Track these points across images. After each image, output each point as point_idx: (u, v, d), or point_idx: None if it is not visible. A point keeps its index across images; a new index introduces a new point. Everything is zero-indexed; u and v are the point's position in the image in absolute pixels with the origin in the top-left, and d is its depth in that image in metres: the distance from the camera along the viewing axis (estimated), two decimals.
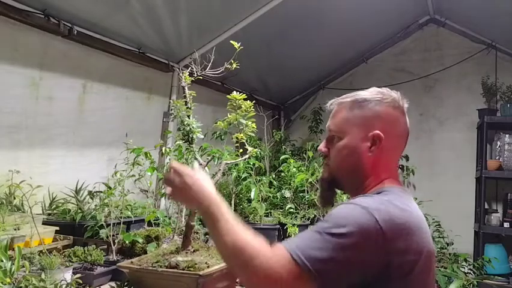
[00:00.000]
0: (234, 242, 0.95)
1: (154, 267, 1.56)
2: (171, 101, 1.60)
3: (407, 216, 0.97)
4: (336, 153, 1.13)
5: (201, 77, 1.71)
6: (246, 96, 1.63)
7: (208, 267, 1.58)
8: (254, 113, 1.63)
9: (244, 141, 1.69)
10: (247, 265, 0.91)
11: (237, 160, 1.82)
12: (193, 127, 1.60)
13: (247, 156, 1.72)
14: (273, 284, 0.88)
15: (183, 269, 1.54)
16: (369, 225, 0.90)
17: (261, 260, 0.89)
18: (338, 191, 1.21)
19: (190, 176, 1.10)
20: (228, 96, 1.61)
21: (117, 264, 1.60)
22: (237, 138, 1.67)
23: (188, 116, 1.62)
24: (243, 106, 1.60)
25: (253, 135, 1.67)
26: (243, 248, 0.93)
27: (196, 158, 1.61)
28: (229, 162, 1.79)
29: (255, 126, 1.73)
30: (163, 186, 1.24)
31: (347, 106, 1.14)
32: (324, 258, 0.87)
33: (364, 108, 1.11)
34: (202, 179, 1.12)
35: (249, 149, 1.73)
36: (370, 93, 1.14)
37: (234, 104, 1.62)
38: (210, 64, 1.74)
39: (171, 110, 1.58)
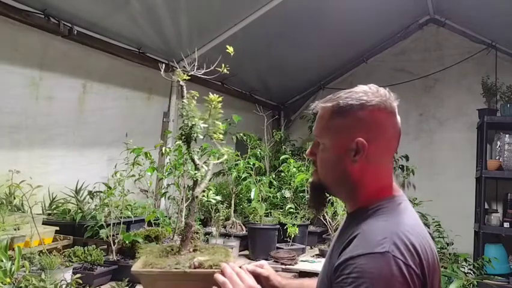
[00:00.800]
0: None
1: (178, 268, 1.54)
2: (183, 101, 1.58)
3: (419, 237, 0.96)
4: (321, 161, 1.10)
5: (199, 77, 1.71)
6: (221, 99, 1.63)
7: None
8: (221, 112, 1.62)
9: (220, 141, 1.68)
10: None
11: (220, 160, 1.81)
12: (199, 127, 1.59)
13: (224, 157, 1.72)
14: None
15: (208, 268, 1.53)
16: (404, 272, 0.88)
17: None
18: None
19: None
20: (205, 97, 1.60)
21: (132, 270, 1.59)
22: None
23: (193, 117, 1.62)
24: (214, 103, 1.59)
25: (222, 137, 1.66)
26: None
27: (192, 159, 1.61)
28: (215, 162, 1.78)
29: (226, 127, 1.72)
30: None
31: (328, 112, 1.07)
32: None
33: (345, 115, 1.04)
34: None
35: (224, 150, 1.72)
36: (354, 94, 1.07)
37: (209, 106, 1.62)
38: (209, 64, 1.74)
39: (181, 111, 1.57)
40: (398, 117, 1.09)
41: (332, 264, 1.00)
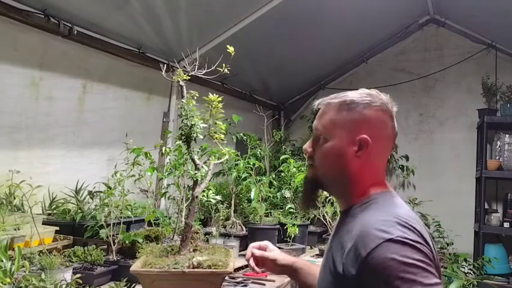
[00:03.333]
0: None
1: (177, 268, 1.54)
2: (183, 101, 1.58)
3: (415, 219, 1.00)
4: (322, 155, 1.12)
5: (199, 77, 1.71)
6: (221, 99, 1.62)
7: (223, 264, 1.57)
8: (222, 112, 1.62)
9: (222, 141, 1.68)
10: None
11: (220, 160, 1.81)
12: (198, 127, 1.59)
13: (225, 157, 1.72)
14: None
15: (207, 268, 1.53)
16: (418, 250, 0.91)
17: None
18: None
19: None
20: (205, 98, 1.60)
21: (131, 270, 1.59)
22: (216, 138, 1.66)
23: (192, 116, 1.62)
24: (215, 103, 1.59)
25: (223, 137, 1.66)
26: None
27: (192, 159, 1.61)
28: (216, 162, 1.78)
29: (226, 126, 1.72)
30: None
31: (335, 107, 1.11)
32: None
33: (352, 110, 1.09)
34: None
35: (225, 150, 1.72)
36: (359, 95, 1.11)
37: (209, 106, 1.62)
38: (210, 64, 1.74)
39: (180, 110, 1.57)
40: (395, 122, 1.14)
41: (332, 263, 1.01)
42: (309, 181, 1.17)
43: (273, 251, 1.41)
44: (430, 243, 0.96)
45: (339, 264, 0.99)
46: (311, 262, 1.54)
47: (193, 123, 1.61)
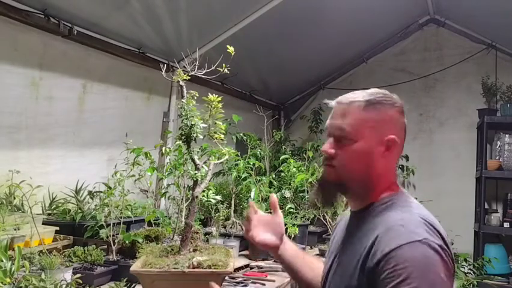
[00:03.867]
0: None
1: (176, 268, 1.54)
2: (183, 101, 1.58)
3: (435, 221, 1.02)
4: (349, 156, 1.08)
5: (199, 77, 1.71)
6: (221, 99, 1.62)
7: (223, 264, 1.57)
8: (222, 112, 1.62)
9: (221, 141, 1.68)
10: None
11: (220, 160, 1.81)
12: (198, 127, 1.59)
13: (225, 157, 1.72)
14: None
15: (207, 268, 1.53)
16: (442, 255, 0.93)
17: None
18: None
19: None
20: (204, 98, 1.60)
21: (131, 270, 1.59)
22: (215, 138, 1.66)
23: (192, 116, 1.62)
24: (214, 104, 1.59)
25: (223, 137, 1.66)
26: None
27: (192, 159, 1.61)
28: (216, 162, 1.78)
29: (226, 126, 1.72)
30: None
31: (360, 106, 1.08)
32: None
33: (379, 110, 1.08)
34: None
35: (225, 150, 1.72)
36: (382, 95, 1.11)
37: (209, 106, 1.62)
38: (210, 64, 1.74)
39: (180, 110, 1.57)
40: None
41: (353, 269, 1.00)
42: (332, 184, 1.12)
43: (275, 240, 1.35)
44: (447, 239, 0.99)
45: (358, 261, 1.00)
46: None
47: (193, 123, 1.61)
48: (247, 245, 2.94)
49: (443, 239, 0.97)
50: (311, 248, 3.26)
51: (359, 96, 1.10)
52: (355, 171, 1.09)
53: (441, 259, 0.92)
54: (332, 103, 1.14)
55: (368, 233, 1.02)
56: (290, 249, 1.36)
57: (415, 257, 0.91)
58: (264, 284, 2.22)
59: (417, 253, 0.91)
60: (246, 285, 2.18)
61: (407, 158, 4.82)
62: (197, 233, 1.84)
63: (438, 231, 0.97)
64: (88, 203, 2.52)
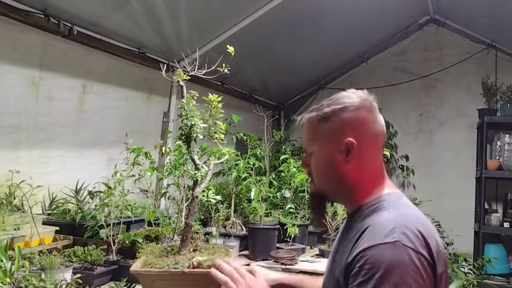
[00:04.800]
0: None
1: (176, 268, 1.53)
2: (183, 101, 1.58)
3: (423, 225, 0.98)
4: (315, 170, 1.14)
5: (199, 77, 1.71)
6: (221, 99, 1.62)
7: None
8: (222, 112, 1.61)
9: (221, 141, 1.68)
10: None
11: (220, 160, 1.81)
12: (198, 127, 1.59)
13: (225, 157, 1.72)
14: None
15: (207, 268, 1.53)
16: (415, 261, 0.90)
17: None
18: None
19: None
20: (204, 98, 1.60)
21: (131, 270, 1.59)
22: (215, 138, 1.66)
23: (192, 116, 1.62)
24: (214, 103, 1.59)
25: (223, 137, 1.65)
26: None
27: (192, 159, 1.61)
28: (216, 162, 1.78)
29: (226, 126, 1.72)
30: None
31: (314, 121, 1.12)
32: None
33: (330, 119, 1.09)
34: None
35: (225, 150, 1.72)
36: (335, 100, 1.12)
37: (209, 106, 1.62)
38: (210, 64, 1.74)
39: (180, 110, 1.57)
40: (380, 115, 1.13)
41: (341, 266, 1.02)
42: (314, 196, 1.18)
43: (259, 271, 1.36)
44: (433, 246, 0.95)
45: (346, 259, 1.00)
46: (310, 262, 1.54)
47: (193, 123, 1.61)
48: (247, 245, 2.94)
49: (427, 244, 0.93)
50: (311, 248, 3.26)
51: (314, 110, 1.14)
52: (326, 181, 1.13)
53: (413, 264, 0.90)
54: (297, 122, 1.19)
55: (356, 233, 1.03)
56: (288, 278, 1.41)
57: (383, 259, 0.90)
58: None
59: (386, 255, 0.91)
60: None
61: (407, 158, 4.83)
62: (197, 233, 1.83)
63: (420, 232, 0.94)
64: (88, 203, 2.52)
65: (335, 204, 2.87)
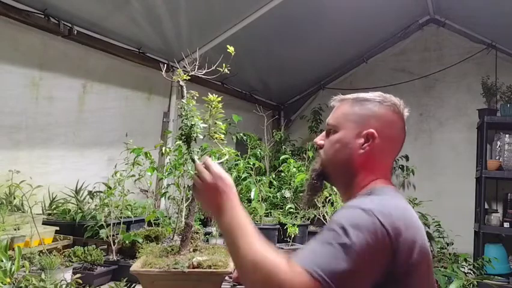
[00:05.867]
0: (253, 259, 0.93)
1: (177, 268, 1.53)
2: (183, 101, 1.58)
3: (402, 214, 0.99)
4: (329, 146, 1.16)
5: (199, 77, 1.71)
6: (221, 99, 1.62)
7: (223, 264, 1.57)
8: (222, 112, 1.61)
9: (221, 141, 1.68)
10: (266, 283, 0.89)
11: (221, 160, 1.81)
12: (198, 127, 1.59)
13: (226, 157, 1.71)
14: None
15: (207, 268, 1.53)
16: (376, 229, 0.91)
17: (280, 278, 0.87)
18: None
19: (223, 180, 1.10)
20: (204, 98, 1.60)
21: (131, 270, 1.59)
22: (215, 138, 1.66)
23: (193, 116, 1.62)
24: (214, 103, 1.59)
25: (223, 137, 1.65)
26: (262, 265, 0.91)
27: (192, 159, 1.61)
28: (216, 162, 1.78)
29: (226, 126, 1.72)
30: (190, 180, 1.22)
31: (348, 103, 1.17)
32: (343, 270, 0.86)
33: (363, 106, 1.14)
34: (232, 186, 1.10)
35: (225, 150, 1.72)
36: (373, 94, 1.17)
37: (209, 106, 1.62)
38: (210, 64, 1.74)
39: (180, 111, 1.57)
40: (405, 126, 1.17)
41: None
42: (316, 171, 1.20)
43: None
44: (406, 235, 0.94)
45: None
46: None
47: (193, 123, 1.61)
48: None
49: (396, 229, 0.93)
50: None
51: (352, 95, 1.18)
52: (334, 160, 1.15)
53: (372, 227, 0.90)
54: (331, 100, 1.22)
55: None
56: None
57: (347, 214, 0.95)
58: None
59: (351, 212, 0.95)
60: None
61: (407, 158, 4.83)
62: (197, 233, 1.84)
63: (392, 218, 0.94)
64: (88, 203, 2.52)
65: (335, 204, 2.87)
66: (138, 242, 2.15)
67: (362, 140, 1.11)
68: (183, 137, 1.60)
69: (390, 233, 0.92)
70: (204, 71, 1.68)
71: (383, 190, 1.08)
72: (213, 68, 1.68)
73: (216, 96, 1.61)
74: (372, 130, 1.10)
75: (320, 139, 1.20)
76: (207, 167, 1.13)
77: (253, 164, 3.18)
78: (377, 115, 1.13)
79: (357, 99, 1.16)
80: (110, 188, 2.25)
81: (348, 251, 0.87)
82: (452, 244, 3.88)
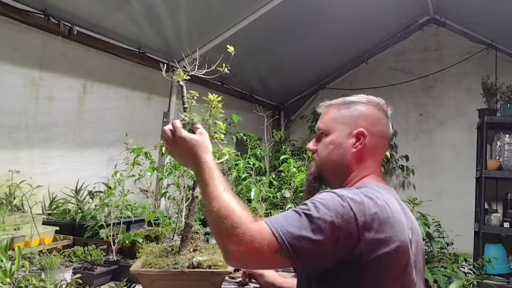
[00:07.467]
0: (220, 208, 1.00)
1: (176, 268, 1.53)
2: (183, 100, 1.57)
3: (379, 208, 1.02)
4: (323, 148, 1.22)
5: (199, 77, 1.71)
6: (221, 99, 1.62)
7: (223, 264, 1.57)
8: (222, 111, 1.61)
9: (222, 141, 1.68)
10: (229, 232, 0.96)
11: (221, 160, 1.81)
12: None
13: (226, 157, 1.71)
14: (253, 253, 0.94)
15: (207, 268, 1.53)
16: (344, 212, 0.97)
17: (243, 230, 0.95)
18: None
19: (187, 143, 1.17)
20: (204, 98, 1.60)
21: (131, 270, 1.59)
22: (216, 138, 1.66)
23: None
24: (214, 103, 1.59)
25: (223, 137, 1.65)
26: (228, 215, 0.98)
27: None
28: (216, 162, 1.78)
29: (226, 126, 1.73)
30: (161, 141, 1.30)
31: (335, 107, 1.25)
32: (300, 235, 0.93)
33: (350, 108, 1.22)
34: (199, 139, 1.17)
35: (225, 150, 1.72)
36: (357, 97, 1.25)
37: (209, 106, 1.62)
38: (210, 64, 1.74)
39: (181, 111, 1.57)
40: (390, 122, 1.26)
41: None
42: (312, 175, 1.26)
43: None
44: (369, 227, 0.97)
45: None
46: None
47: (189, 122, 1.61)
48: None
49: (367, 219, 0.98)
50: None
51: (339, 99, 1.26)
52: (330, 161, 1.21)
53: (342, 209, 0.96)
54: (319, 107, 1.32)
55: None
56: (284, 282, 1.50)
57: (323, 195, 1.02)
58: None
59: (326, 195, 1.02)
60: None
61: (407, 158, 4.83)
62: (197, 233, 1.83)
63: (365, 206, 0.99)
64: (88, 203, 2.52)
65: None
66: (138, 242, 2.15)
67: (353, 140, 1.18)
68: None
69: (357, 219, 0.97)
70: (204, 71, 1.68)
71: (369, 185, 1.12)
72: (213, 68, 1.68)
73: (216, 96, 1.61)
74: (362, 129, 1.17)
75: (312, 145, 1.27)
76: (173, 131, 1.20)
77: (253, 164, 3.18)
78: (364, 115, 1.20)
79: (343, 103, 1.24)
80: (110, 188, 2.25)
81: (312, 222, 0.94)
82: (452, 244, 3.88)
